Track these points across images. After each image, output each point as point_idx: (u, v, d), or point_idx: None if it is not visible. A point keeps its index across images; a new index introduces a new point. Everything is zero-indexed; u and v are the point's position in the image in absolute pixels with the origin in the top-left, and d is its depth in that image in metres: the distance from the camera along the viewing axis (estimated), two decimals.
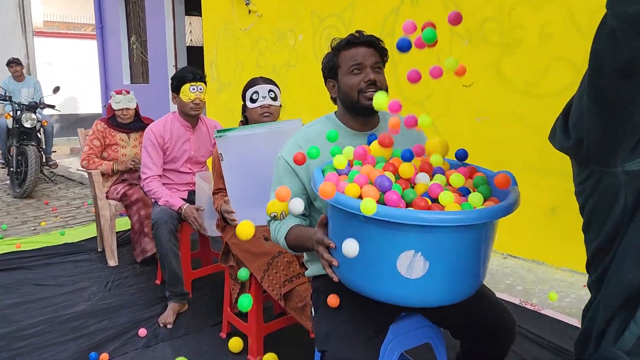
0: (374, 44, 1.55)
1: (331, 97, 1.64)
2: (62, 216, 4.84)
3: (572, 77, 2.89)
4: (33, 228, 4.43)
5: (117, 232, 3.98)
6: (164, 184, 2.90)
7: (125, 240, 3.84)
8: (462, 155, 1.47)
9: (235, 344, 2.31)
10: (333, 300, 1.40)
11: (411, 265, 1.15)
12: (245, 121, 2.37)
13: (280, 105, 2.35)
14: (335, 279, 1.30)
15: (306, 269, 1.77)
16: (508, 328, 1.50)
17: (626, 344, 0.94)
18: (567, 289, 2.80)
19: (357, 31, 1.58)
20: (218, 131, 1.95)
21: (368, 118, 1.59)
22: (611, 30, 0.80)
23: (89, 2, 14.70)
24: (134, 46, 7.63)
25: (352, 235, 1.17)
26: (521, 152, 3.13)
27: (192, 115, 2.86)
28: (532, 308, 2.63)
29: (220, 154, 2.03)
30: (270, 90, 2.27)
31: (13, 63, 6.54)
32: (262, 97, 2.25)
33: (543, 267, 3.11)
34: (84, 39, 14.90)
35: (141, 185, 2.89)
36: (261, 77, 2.34)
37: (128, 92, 3.47)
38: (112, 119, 3.49)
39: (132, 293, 3.00)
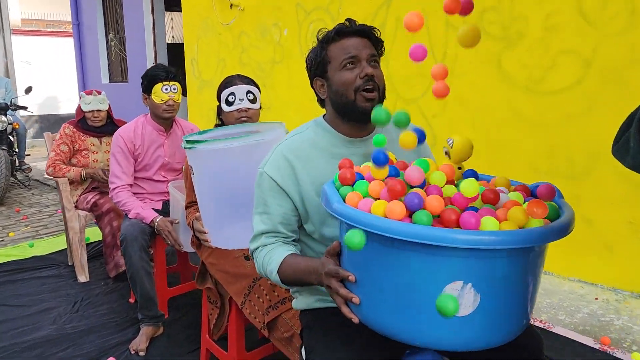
0: (368, 33, 1.31)
1: (318, 100, 1.39)
2: (33, 225, 4.53)
3: (581, 72, 2.66)
4: (1, 239, 4.12)
5: (90, 243, 3.72)
6: (135, 194, 2.63)
7: (97, 252, 3.56)
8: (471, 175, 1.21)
9: None
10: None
11: (459, 300, 0.90)
12: (222, 124, 2.11)
13: (261, 108, 2.08)
14: (356, 320, 1.03)
15: (292, 297, 1.52)
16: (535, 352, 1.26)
17: None
18: (577, 302, 2.58)
19: (347, 19, 1.33)
20: (187, 141, 1.68)
21: (365, 124, 1.33)
22: None
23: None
24: (112, 43, 7.30)
25: (381, 264, 0.94)
26: (525, 155, 2.90)
27: (165, 118, 2.59)
28: (541, 325, 2.41)
29: (190, 167, 1.77)
30: (248, 92, 2.01)
31: None
32: (240, 99, 1.98)
33: (550, 277, 2.89)
34: (63, 37, 14.48)
35: (110, 195, 2.62)
36: (238, 76, 2.08)
37: (99, 93, 3.19)
38: (82, 122, 3.21)
39: (102, 314, 2.72)
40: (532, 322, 2.40)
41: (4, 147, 5.31)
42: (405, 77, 3.34)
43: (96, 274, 3.25)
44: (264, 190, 1.30)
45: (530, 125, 2.87)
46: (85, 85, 7.98)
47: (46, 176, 6.42)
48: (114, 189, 2.55)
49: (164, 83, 2.49)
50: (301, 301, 1.42)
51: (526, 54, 2.85)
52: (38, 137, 11.60)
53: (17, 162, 5.90)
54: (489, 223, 0.91)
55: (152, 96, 2.51)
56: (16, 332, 2.54)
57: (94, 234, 3.80)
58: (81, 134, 3.20)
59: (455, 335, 0.93)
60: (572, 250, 2.78)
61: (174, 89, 2.52)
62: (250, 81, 2.09)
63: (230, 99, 2.01)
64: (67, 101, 13.09)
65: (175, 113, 2.61)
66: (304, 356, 1.38)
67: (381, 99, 1.29)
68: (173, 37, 8.36)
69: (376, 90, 1.26)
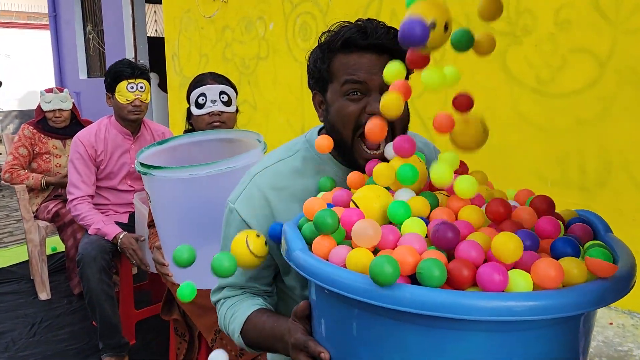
0: (387, 48, 0.91)
1: (319, 118, 1.02)
2: None
3: (596, 72, 2.40)
4: None
5: (56, 254, 3.41)
6: (98, 205, 2.34)
7: (62, 265, 3.25)
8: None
9: None
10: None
11: None
12: (192, 129, 1.82)
13: (237, 111, 1.80)
14: None
15: None
16: None
17: None
18: None
19: (364, 22, 0.93)
20: (142, 164, 1.37)
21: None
22: None
23: None
24: (90, 36, 6.94)
25: (364, 338, 0.68)
26: (532, 162, 2.65)
27: (131, 120, 2.30)
28: None
29: (147, 193, 1.48)
30: (222, 93, 1.72)
31: None
32: (212, 101, 1.70)
33: None
34: (44, 30, 14.05)
35: (67, 208, 2.32)
36: (211, 74, 1.79)
37: (61, 90, 2.88)
38: (42, 123, 2.90)
39: (61, 339, 2.43)
40: None
41: None
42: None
43: (59, 290, 2.95)
44: (231, 231, 0.99)
45: (537, 130, 2.62)
46: (62, 80, 7.62)
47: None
48: (72, 200, 2.25)
49: (130, 81, 2.19)
50: (274, 356, 1.15)
51: (534, 52, 2.59)
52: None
53: None
54: (520, 281, 0.64)
55: (116, 95, 2.21)
56: None
57: (61, 244, 3.49)
58: (42, 135, 2.90)
59: None
60: None
61: (141, 88, 2.23)
62: (224, 80, 1.80)
63: (201, 100, 1.72)
64: None
65: (143, 114, 2.32)
66: None
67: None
68: (156, 30, 8.02)
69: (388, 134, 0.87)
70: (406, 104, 0.91)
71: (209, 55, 4.79)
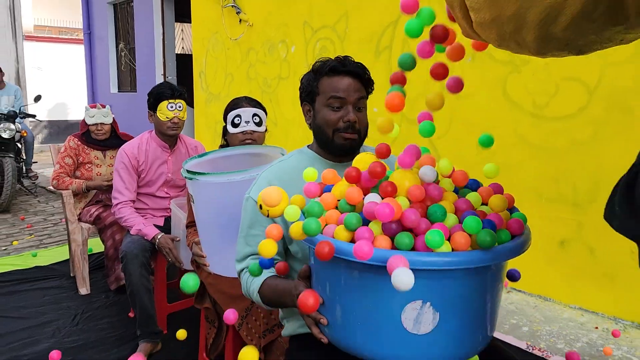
0: (360, 75, 1.35)
1: (306, 122, 1.44)
2: (37, 234, 4.56)
3: (585, 99, 2.66)
4: (4, 248, 4.15)
5: (93, 254, 3.72)
6: (138, 209, 2.64)
7: (99, 264, 3.56)
8: (474, 186, 1.22)
9: None
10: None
11: (419, 318, 0.94)
12: (226, 144, 2.13)
13: (266, 130, 2.10)
14: (325, 340, 1.07)
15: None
16: None
17: None
18: (577, 331, 2.56)
19: (344, 57, 1.37)
20: (188, 171, 1.68)
21: (343, 154, 1.38)
22: None
23: (79, 6, 14.47)
24: (122, 53, 7.37)
25: (346, 286, 0.99)
26: (529, 179, 2.89)
27: (170, 135, 2.61)
28: (539, 354, 2.39)
29: (191, 195, 1.78)
30: (254, 115, 2.03)
31: None
32: (245, 121, 2.00)
33: (550, 303, 2.87)
34: (75, 44, 14.64)
35: (112, 211, 2.63)
36: (245, 98, 2.10)
37: (103, 106, 3.22)
38: (86, 135, 3.23)
39: (101, 328, 2.73)
40: (531, 351, 2.39)
41: (11, 155, 5.36)
42: (410, 99, 3.34)
43: (97, 286, 3.25)
44: (249, 213, 1.35)
45: (535, 150, 2.87)
46: (94, 94, 8.06)
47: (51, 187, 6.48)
48: (117, 204, 2.56)
49: (170, 101, 2.51)
50: (288, 328, 1.44)
51: (531, 80, 2.85)
52: (47, 143, 11.69)
53: (24, 169, 5.94)
54: (443, 246, 0.93)
55: (158, 113, 2.53)
56: (15, 345, 2.54)
57: (97, 245, 3.81)
58: (85, 147, 3.22)
59: (418, 352, 0.97)
60: (574, 278, 2.77)
61: (179, 107, 2.54)
62: (257, 104, 2.11)
63: (237, 121, 2.02)
64: (77, 108, 13.21)
65: (180, 130, 2.63)
66: None
67: (361, 140, 1.37)
68: (183, 48, 8.43)
69: (356, 133, 1.33)
70: (366, 116, 1.36)
71: (233, 74, 5.12)
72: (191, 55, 6.71)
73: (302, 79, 1.44)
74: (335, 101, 1.32)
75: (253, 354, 1.28)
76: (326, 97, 1.33)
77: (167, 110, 2.52)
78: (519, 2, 0.71)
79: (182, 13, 6.82)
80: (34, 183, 6.42)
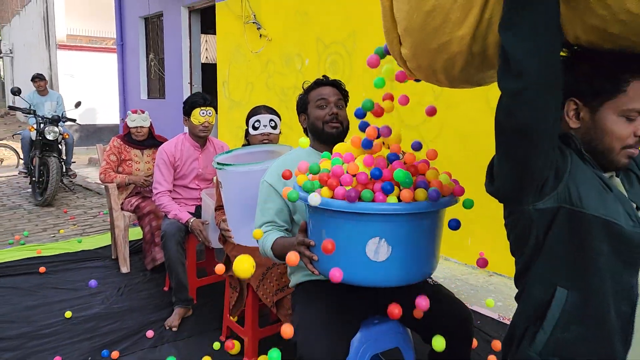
0: (337, 85, 1.91)
1: (303, 128, 1.97)
2: (80, 224, 5.14)
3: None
4: (52, 235, 4.73)
5: (129, 241, 4.26)
6: (173, 198, 3.16)
7: (137, 249, 4.10)
8: (417, 146, 1.70)
9: (234, 347, 2.55)
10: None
11: (377, 250, 1.40)
12: (248, 144, 2.64)
13: (280, 133, 2.61)
14: (316, 272, 1.53)
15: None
16: (464, 321, 1.72)
17: (537, 347, 1.17)
18: None
19: (323, 76, 1.94)
20: (218, 163, 2.20)
21: (333, 145, 1.83)
22: (505, 102, 1.03)
23: (110, 17, 15.24)
24: (152, 63, 7.98)
25: (328, 230, 1.45)
26: None
27: (201, 137, 3.14)
28: (508, 322, 2.83)
29: (220, 181, 2.29)
30: (271, 120, 2.54)
31: (37, 78, 6.91)
32: (264, 125, 2.51)
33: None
34: (104, 52, 15.41)
35: (153, 199, 3.16)
36: (264, 107, 2.61)
37: (143, 112, 3.76)
38: (127, 136, 3.77)
39: (142, 298, 3.26)
40: (501, 320, 2.83)
41: (55, 155, 5.97)
42: (408, 106, 3.83)
43: (135, 267, 3.79)
44: (263, 193, 1.85)
45: None
46: (125, 100, 8.69)
47: (88, 181, 7.08)
48: (157, 193, 3.09)
49: (202, 108, 3.03)
50: (294, 279, 1.93)
51: None
52: (77, 146, 12.41)
53: (64, 168, 6.55)
54: (392, 198, 1.42)
55: (192, 118, 3.05)
56: (72, 308, 3.08)
57: (133, 233, 4.35)
58: (127, 146, 3.77)
59: (378, 275, 1.44)
60: None
61: (209, 113, 3.06)
62: (273, 111, 2.62)
63: (256, 124, 2.54)
64: (105, 113, 13.91)
65: (209, 132, 3.16)
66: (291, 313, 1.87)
67: (344, 130, 1.88)
68: (207, 57, 9.02)
69: (339, 123, 1.85)
70: (346, 113, 1.89)
71: (254, 83, 5.65)
72: (214, 64, 7.29)
73: (297, 100, 1.98)
74: (321, 102, 1.86)
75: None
76: (315, 101, 1.88)
77: (200, 116, 3.04)
78: (429, 57, 1.20)
79: (207, 26, 7.41)
80: (71, 181, 7.04)
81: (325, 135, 1.85)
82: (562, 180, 1.09)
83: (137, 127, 3.72)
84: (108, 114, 13.79)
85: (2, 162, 9.62)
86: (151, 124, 3.83)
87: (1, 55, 24.35)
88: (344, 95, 1.94)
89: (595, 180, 1.10)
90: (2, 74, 26.40)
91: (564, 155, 1.11)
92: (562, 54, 1.10)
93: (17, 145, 7.61)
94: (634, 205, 1.14)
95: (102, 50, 15.46)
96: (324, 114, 1.86)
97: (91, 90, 13.97)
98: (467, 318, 1.74)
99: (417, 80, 1.46)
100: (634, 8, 0.91)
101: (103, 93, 13.77)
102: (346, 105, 1.95)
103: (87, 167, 8.92)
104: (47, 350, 2.59)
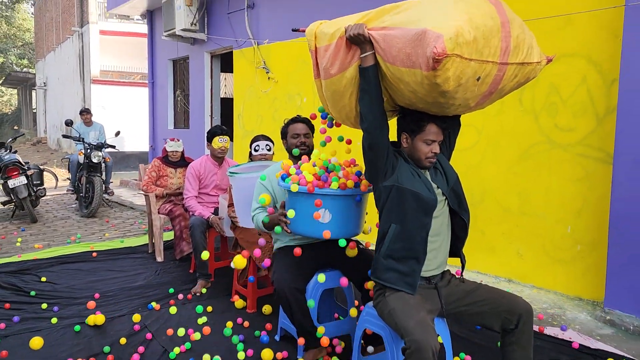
0: (306, 121, 3.00)
1: (284, 147, 3.07)
2: (120, 230, 6.33)
3: (476, 138, 4.23)
4: (100, 237, 5.92)
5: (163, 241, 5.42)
6: (198, 202, 4.33)
7: (167, 246, 5.23)
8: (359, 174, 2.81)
9: (239, 303, 3.66)
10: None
11: (324, 215, 2.49)
12: (250, 160, 3.80)
13: (273, 153, 3.77)
14: (288, 231, 2.60)
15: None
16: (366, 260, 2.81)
17: (382, 253, 2.23)
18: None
19: (297, 115, 3.04)
20: (230, 172, 3.37)
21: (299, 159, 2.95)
22: (363, 134, 2.17)
23: (137, 55, 16.78)
24: (178, 98, 9.29)
25: (298, 205, 2.53)
26: None
27: (219, 157, 4.32)
28: None
29: (231, 185, 3.46)
30: (266, 144, 3.71)
31: (84, 112, 8.26)
32: (262, 148, 3.69)
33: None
34: (132, 86, 16.94)
35: (183, 202, 4.33)
36: (262, 135, 3.79)
37: (178, 140, 4.97)
38: (164, 158, 4.97)
39: (173, 276, 4.39)
40: None
41: (99, 175, 7.23)
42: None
43: (167, 258, 4.93)
44: (258, 188, 2.94)
45: None
46: (154, 130, 9.99)
47: (122, 199, 8.29)
48: (187, 198, 4.26)
49: (220, 136, 4.22)
50: (276, 244, 3.03)
51: None
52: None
53: (103, 187, 7.78)
54: (335, 185, 2.52)
55: (212, 144, 4.24)
56: (123, 282, 4.22)
57: (165, 235, 5.50)
58: (164, 165, 4.96)
59: (323, 231, 2.50)
60: (481, 253, 4.26)
61: (225, 140, 4.25)
62: (268, 139, 3.79)
63: (257, 148, 3.71)
64: (132, 141, 15.26)
65: (225, 154, 4.34)
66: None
67: (310, 150, 2.94)
68: (226, 92, 10.30)
69: (306, 147, 2.93)
70: (312, 140, 2.97)
71: (263, 116, 6.87)
72: (231, 98, 8.57)
73: (280, 129, 3.08)
74: (295, 135, 2.96)
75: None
76: (291, 133, 2.98)
77: (218, 142, 4.22)
78: (338, 112, 2.37)
79: (226, 66, 8.68)
80: (109, 199, 8.27)
81: (294, 155, 2.95)
82: (394, 172, 2.22)
83: (173, 151, 4.92)
84: (135, 142, 15.11)
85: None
86: (183, 149, 5.03)
87: (35, 87, 26.31)
88: (310, 127, 3.04)
89: (411, 172, 2.22)
90: (35, 104, 28.35)
91: (397, 159, 2.24)
92: (392, 109, 2.25)
93: (57, 170, 8.75)
94: (435, 185, 2.26)
95: (130, 85, 16.99)
96: (296, 142, 2.97)
97: (120, 120, 15.35)
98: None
99: (338, 125, 2.61)
100: (414, 97, 2.06)
101: (130, 123, 15.09)
102: (313, 134, 3.07)
103: (118, 188, 10.17)
104: (110, 304, 3.72)
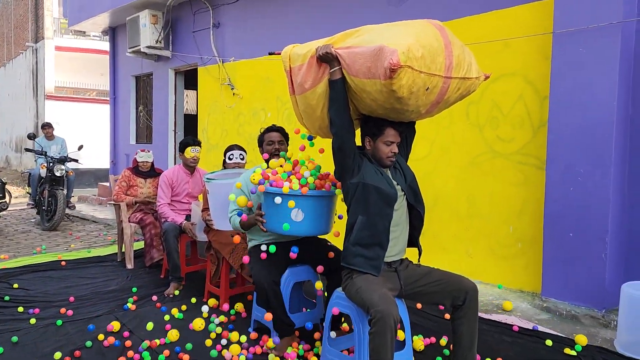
0: (280, 131, 3.31)
1: (261, 154, 3.35)
2: (86, 242, 6.39)
3: (428, 148, 4.66)
4: (66, 249, 5.98)
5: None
6: (171, 209, 4.54)
7: (136, 255, 5.36)
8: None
9: (212, 301, 3.88)
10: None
11: (297, 214, 2.78)
12: (224, 168, 4.07)
13: (246, 162, 4.06)
14: (264, 229, 2.88)
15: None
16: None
17: (351, 241, 2.55)
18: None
19: (272, 125, 3.34)
20: (207, 178, 3.64)
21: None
22: (333, 138, 2.52)
23: (94, 70, 16.70)
24: (141, 114, 9.41)
25: (273, 206, 2.81)
26: None
27: (191, 167, 4.57)
28: None
29: (207, 190, 3.72)
30: (240, 154, 4.00)
31: (46, 126, 8.27)
32: (235, 157, 3.97)
33: None
34: (87, 103, 16.80)
35: (156, 208, 4.54)
36: (236, 145, 4.07)
37: (148, 151, 5.18)
38: (135, 168, 5.16)
39: (145, 281, 4.56)
40: None
41: (62, 188, 7.26)
42: None
43: (137, 265, 5.07)
44: (235, 193, 3.21)
45: None
46: (116, 145, 10.04)
47: (83, 213, 8.29)
48: (160, 205, 4.47)
49: (192, 147, 4.47)
50: (251, 242, 3.30)
51: None
52: None
53: (66, 200, 7.78)
54: (299, 186, 2.84)
55: (185, 154, 4.48)
56: (96, 287, 4.35)
57: (134, 245, 5.63)
58: (134, 175, 5.14)
59: (297, 228, 2.81)
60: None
61: (197, 150, 4.50)
62: (242, 148, 4.08)
63: (231, 157, 3.99)
64: (89, 157, 15.05)
65: (197, 164, 4.58)
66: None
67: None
68: (187, 109, 10.48)
69: (279, 154, 3.20)
70: (286, 147, 3.28)
71: (228, 130, 7.13)
72: (194, 115, 8.77)
73: (258, 137, 3.38)
74: (270, 142, 3.26)
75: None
76: (266, 141, 3.28)
77: (191, 152, 4.47)
78: (312, 125, 2.71)
79: (189, 83, 8.90)
80: (69, 214, 8.26)
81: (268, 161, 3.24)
82: (360, 171, 2.56)
83: (144, 161, 5.12)
84: (91, 159, 14.91)
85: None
86: (152, 160, 5.23)
87: None
88: (284, 136, 3.34)
89: (375, 171, 2.57)
90: None
91: (362, 159, 2.59)
92: (357, 117, 2.61)
93: (9, 187, 8.59)
94: (395, 182, 2.62)
95: (86, 101, 16.85)
96: (271, 148, 3.26)
97: (75, 136, 15.11)
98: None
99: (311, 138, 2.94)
100: (375, 105, 2.42)
101: (86, 139, 14.83)
102: (287, 142, 3.37)
103: (77, 203, 10.10)
104: (86, 307, 3.86)
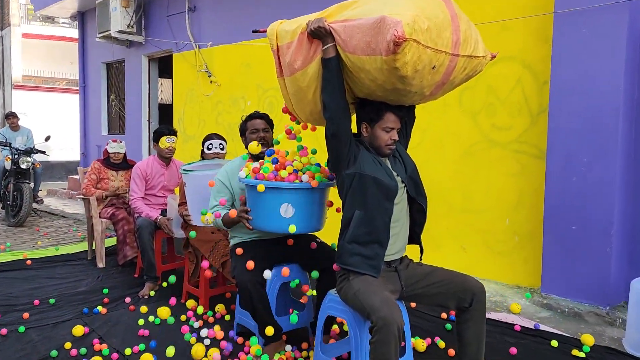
0: (264, 117, 3.00)
1: (243, 144, 3.06)
2: (53, 238, 6.00)
3: (420, 138, 4.42)
4: (32, 246, 5.58)
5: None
6: (145, 203, 4.20)
7: (108, 253, 5.02)
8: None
9: (191, 303, 3.58)
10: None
11: (286, 210, 2.50)
12: (203, 159, 3.75)
13: (226, 152, 3.75)
14: (250, 228, 2.60)
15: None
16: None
17: (347, 238, 2.28)
18: None
19: (255, 111, 3.04)
20: (184, 169, 3.32)
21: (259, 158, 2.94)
22: (327, 123, 2.23)
23: (64, 58, 16.03)
24: (113, 103, 8.97)
25: (259, 200, 2.52)
26: None
27: (166, 158, 4.23)
28: None
29: (185, 182, 3.40)
30: (220, 143, 3.69)
31: (10, 116, 7.78)
32: (215, 147, 3.66)
33: None
34: (56, 92, 16.15)
35: (129, 203, 4.20)
36: (215, 134, 3.76)
37: (120, 142, 4.82)
38: (106, 160, 4.80)
39: (117, 281, 4.23)
40: None
41: (28, 182, 6.82)
42: None
43: (109, 264, 4.73)
44: (216, 186, 2.89)
45: None
46: (86, 135, 9.57)
47: (51, 208, 7.86)
48: (133, 199, 4.13)
49: (167, 136, 4.13)
50: (232, 240, 3.01)
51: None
52: None
53: (33, 194, 7.34)
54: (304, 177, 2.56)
55: (159, 144, 4.14)
56: (64, 289, 4.01)
57: (106, 242, 5.28)
58: (105, 167, 4.78)
59: (286, 225, 2.53)
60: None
61: (173, 140, 4.17)
62: (221, 138, 3.76)
63: (210, 146, 3.67)
64: (59, 149, 14.49)
65: (173, 155, 4.25)
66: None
67: (270, 146, 2.92)
68: (162, 99, 10.05)
69: (266, 142, 2.91)
70: (271, 136, 2.97)
71: (206, 120, 6.79)
72: (169, 104, 8.37)
73: (239, 125, 3.06)
74: (254, 130, 2.95)
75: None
76: (250, 129, 2.97)
77: (166, 142, 4.13)
78: (302, 110, 2.42)
79: (163, 71, 8.49)
80: (36, 209, 7.81)
81: (254, 154, 2.89)
82: (357, 160, 2.29)
83: (115, 152, 4.76)
84: (61, 151, 14.35)
85: None
86: (125, 151, 4.87)
87: None
88: (269, 123, 3.03)
89: (373, 160, 2.31)
90: None
91: (359, 148, 2.32)
92: (353, 101, 2.34)
93: None
94: (395, 173, 2.36)
95: (55, 90, 16.19)
96: (255, 137, 2.93)
97: (44, 127, 14.51)
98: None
99: (305, 128, 2.65)
100: (374, 86, 2.15)
101: (55, 130, 14.30)
102: (272, 129, 3.07)
103: (46, 197, 9.62)
104: (53, 310, 3.52)
